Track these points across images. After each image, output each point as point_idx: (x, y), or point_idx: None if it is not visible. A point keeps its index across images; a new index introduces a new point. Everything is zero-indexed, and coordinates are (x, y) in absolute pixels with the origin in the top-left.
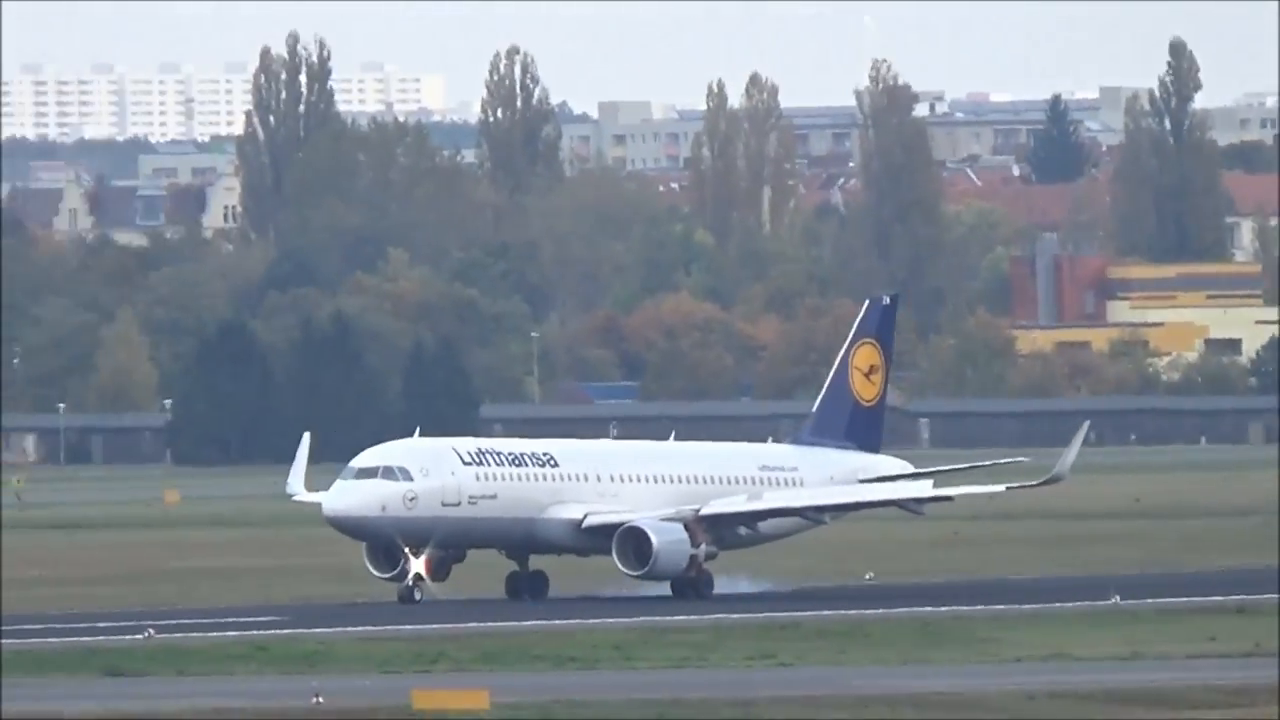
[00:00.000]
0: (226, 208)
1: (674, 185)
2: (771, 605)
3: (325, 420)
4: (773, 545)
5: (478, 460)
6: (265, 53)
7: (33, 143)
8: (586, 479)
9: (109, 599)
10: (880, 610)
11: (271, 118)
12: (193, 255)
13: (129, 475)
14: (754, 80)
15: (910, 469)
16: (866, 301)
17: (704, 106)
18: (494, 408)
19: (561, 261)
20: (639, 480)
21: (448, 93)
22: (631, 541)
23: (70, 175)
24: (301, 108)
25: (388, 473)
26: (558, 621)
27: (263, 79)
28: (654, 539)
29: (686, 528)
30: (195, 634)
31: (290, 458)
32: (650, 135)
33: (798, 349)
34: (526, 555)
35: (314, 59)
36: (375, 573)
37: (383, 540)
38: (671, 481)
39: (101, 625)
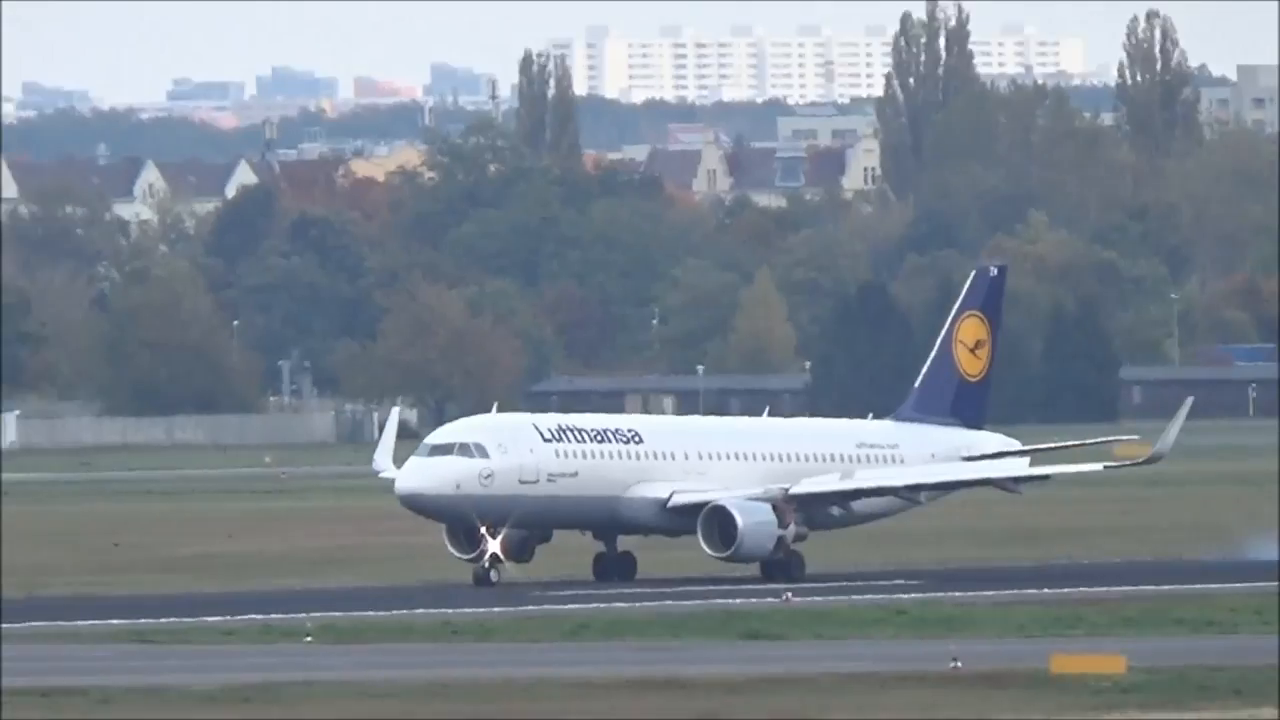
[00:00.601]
0: (866, 170)
1: None
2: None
3: None
4: (868, 526)
5: (558, 437)
6: (905, 17)
7: (672, 105)
8: (673, 457)
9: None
10: None
11: (911, 80)
12: (831, 217)
13: None
14: None
15: (1016, 445)
16: (973, 272)
17: None
18: (1133, 370)
19: (1200, 224)
20: (729, 458)
21: (1087, 56)
22: (717, 522)
23: (709, 137)
24: (940, 70)
25: (463, 449)
26: (1196, 586)
27: (902, 42)
28: (739, 519)
29: (775, 508)
30: (834, 597)
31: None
32: None
33: None
34: (613, 536)
35: (953, 22)
36: (456, 553)
37: (459, 520)
38: (763, 459)
39: (739, 589)
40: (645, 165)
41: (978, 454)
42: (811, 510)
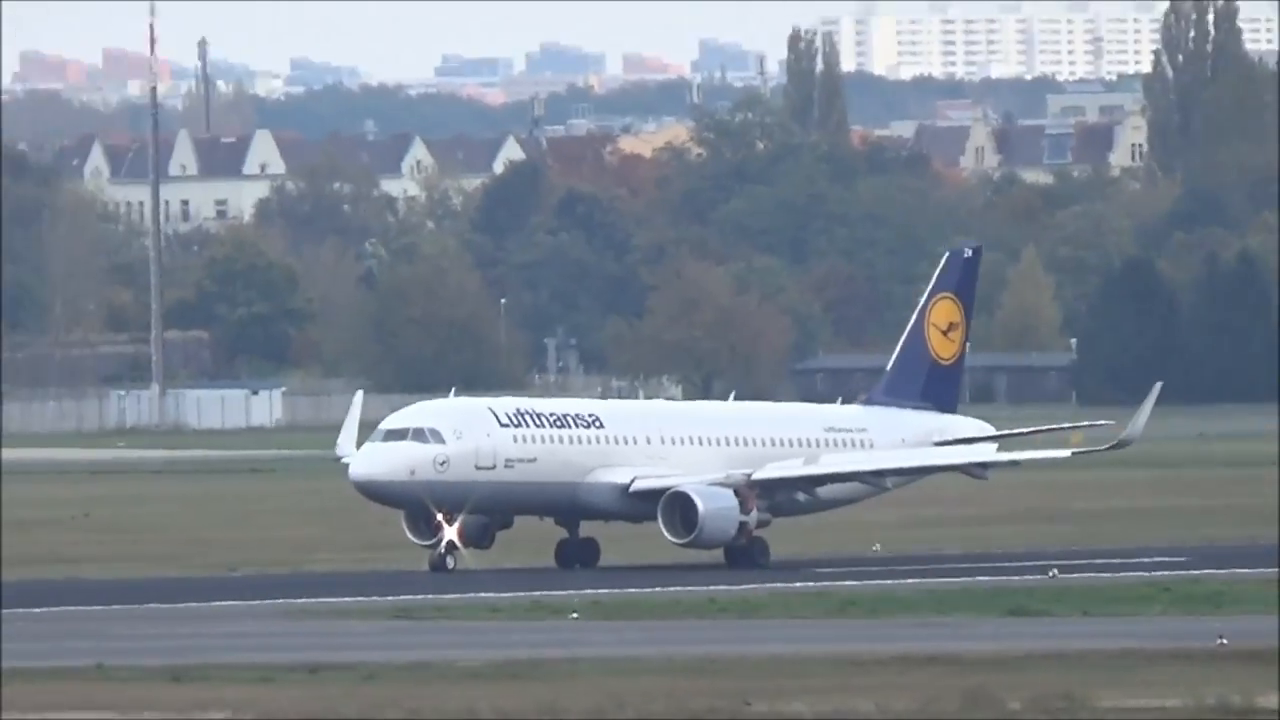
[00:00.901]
0: (1133, 146)
1: None
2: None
3: (1230, 361)
4: (835, 512)
5: (516, 422)
6: None
7: (940, 81)
8: (635, 441)
9: (1009, 539)
10: None
11: (1180, 56)
12: (1098, 194)
13: (1033, 415)
14: None
15: (990, 430)
16: (947, 254)
17: None
18: None
19: None
20: (692, 443)
21: None
22: (678, 508)
23: (977, 114)
24: (1209, 46)
25: (418, 435)
26: None
27: (1172, 18)
28: (700, 505)
29: (737, 493)
30: (1100, 574)
31: (1195, 400)
32: None
33: None
34: (576, 521)
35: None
36: (415, 540)
37: (413, 506)
38: (727, 444)
39: (1005, 565)
40: (912, 142)
41: (950, 439)
42: (775, 496)
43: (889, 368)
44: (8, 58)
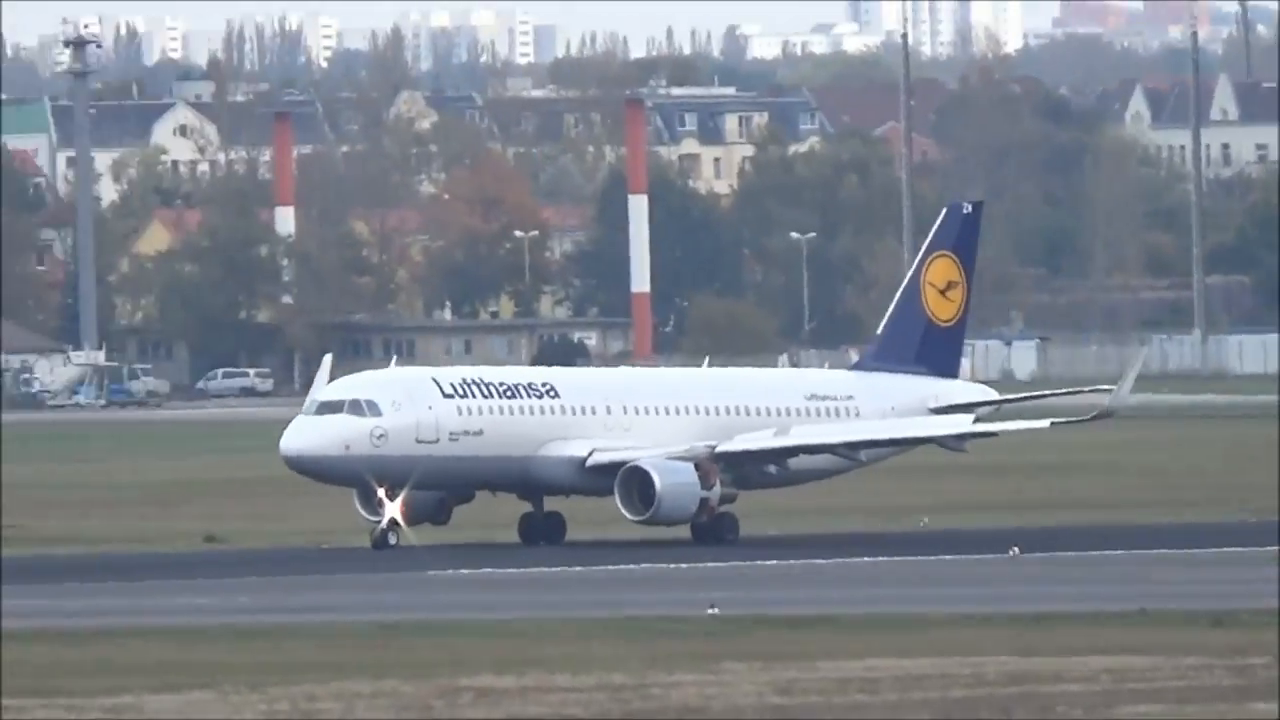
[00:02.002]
0: None
1: None
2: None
3: None
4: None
5: (461, 392)
6: None
7: None
8: (593, 411)
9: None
10: None
11: None
12: None
13: None
14: None
15: (993, 395)
16: (945, 209)
17: None
18: None
19: None
20: (657, 412)
21: None
22: (635, 483)
23: None
24: None
25: (354, 407)
26: None
27: None
28: (657, 480)
29: (698, 467)
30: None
31: None
32: None
33: None
34: (539, 496)
35: None
36: (366, 516)
37: (350, 483)
38: (696, 413)
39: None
40: None
41: (947, 404)
42: (743, 469)
43: (880, 330)
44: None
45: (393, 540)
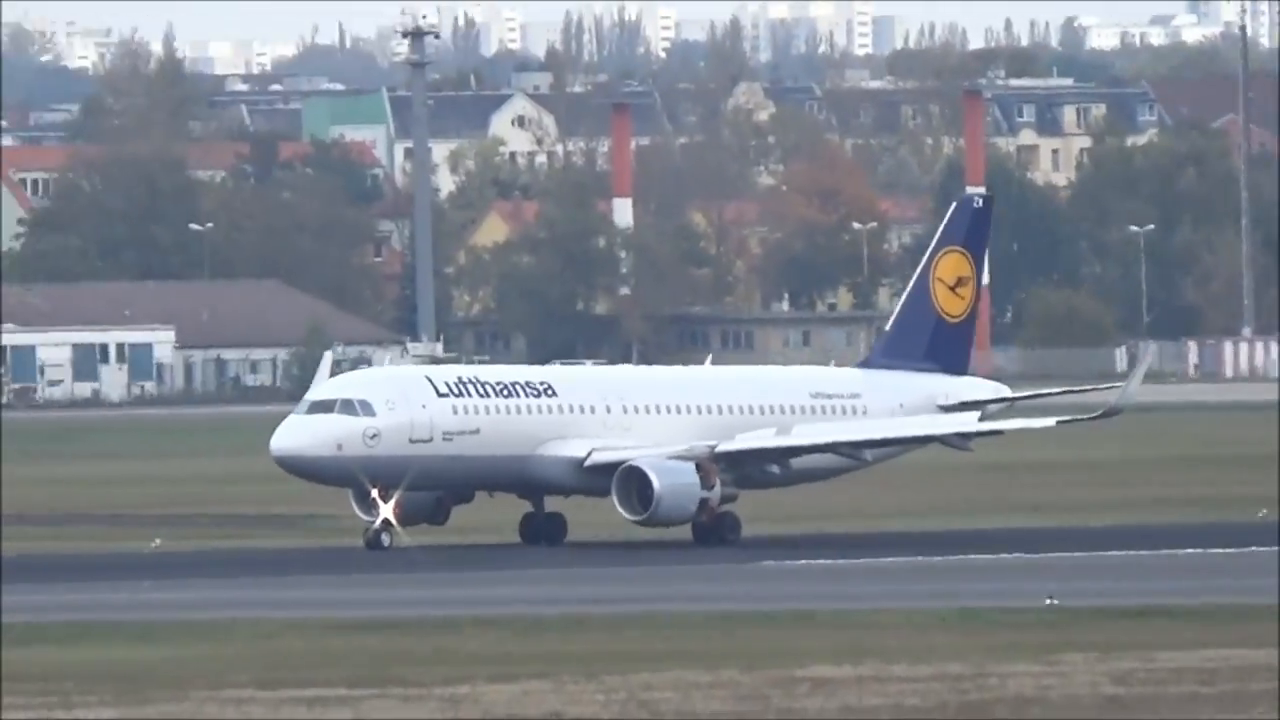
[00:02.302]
0: None
1: None
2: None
3: None
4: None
5: (456, 391)
6: None
7: None
8: (592, 410)
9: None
10: None
11: None
12: None
13: None
14: None
15: (1005, 391)
16: (954, 204)
17: None
18: None
19: None
20: (658, 411)
21: None
22: (634, 483)
23: None
24: None
25: (346, 406)
26: None
27: None
28: (656, 481)
29: (698, 467)
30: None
31: None
32: None
33: None
34: (540, 496)
35: None
36: (362, 515)
37: (342, 483)
38: (698, 412)
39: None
40: None
41: (957, 402)
42: (745, 469)
43: (889, 327)
44: None
45: (386, 541)
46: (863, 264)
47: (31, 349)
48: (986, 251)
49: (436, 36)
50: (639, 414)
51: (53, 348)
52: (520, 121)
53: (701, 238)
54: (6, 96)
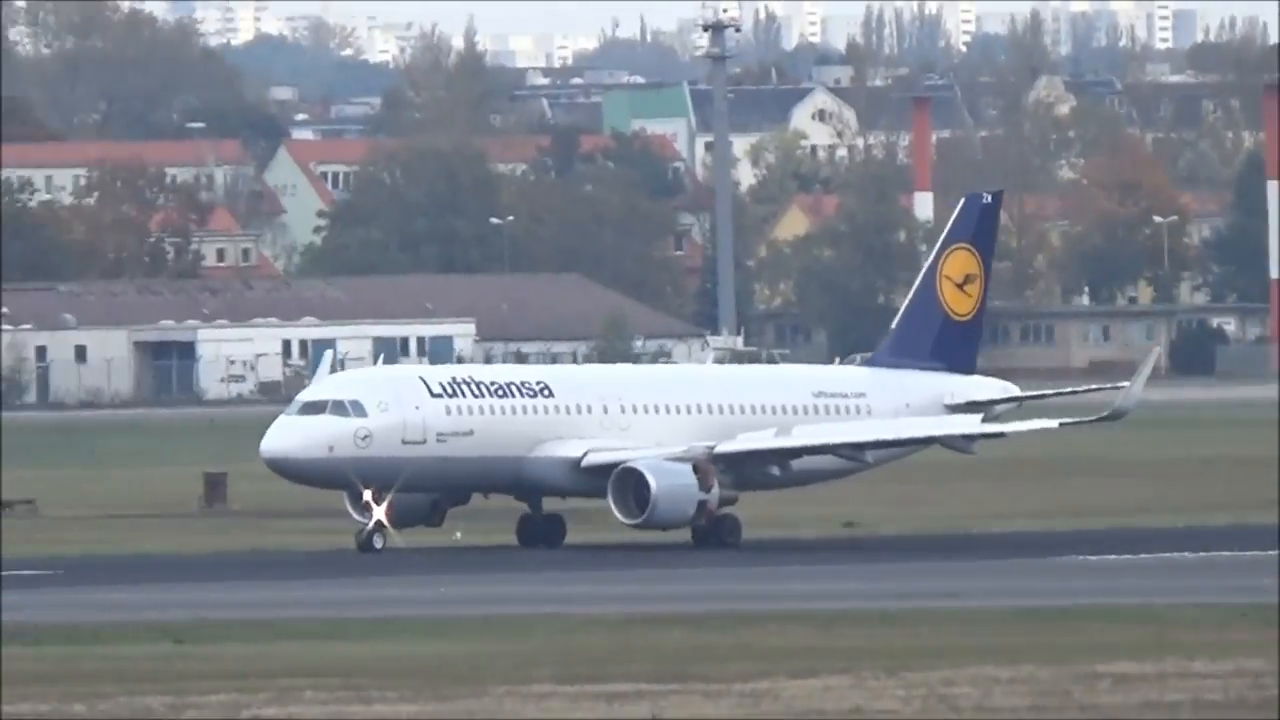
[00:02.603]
0: None
1: None
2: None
3: None
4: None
5: (450, 392)
6: None
7: None
8: (590, 410)
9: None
10: None
11: None
12: None
13: None
14: None
15: (1014, 391)
16: (962, 200)
17: None
18: None
19: None
20: (657, 411)
21: None
22: (630, 485)
23: None
24: None
25: (337, 407)
26: None
27: None
28: (653, 482)
29: (696, 468)
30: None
31: None
32: None
33: None
34: (537, 498)
35: None
36: (357, 517)
37: (335, 485)
38: (698, 412)
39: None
40: None
41: (965, 401)
42: (744, 470)
43: (895, 325)
44: None
45: (379, 544)
46: (1163, 257)
47: (331, 342)
48: (995, 249)
49: (738, 30)
50: (637, 414)
51: (353, 340)
52: (821, 115)
53: (1002, 231)
54: (307, 90)
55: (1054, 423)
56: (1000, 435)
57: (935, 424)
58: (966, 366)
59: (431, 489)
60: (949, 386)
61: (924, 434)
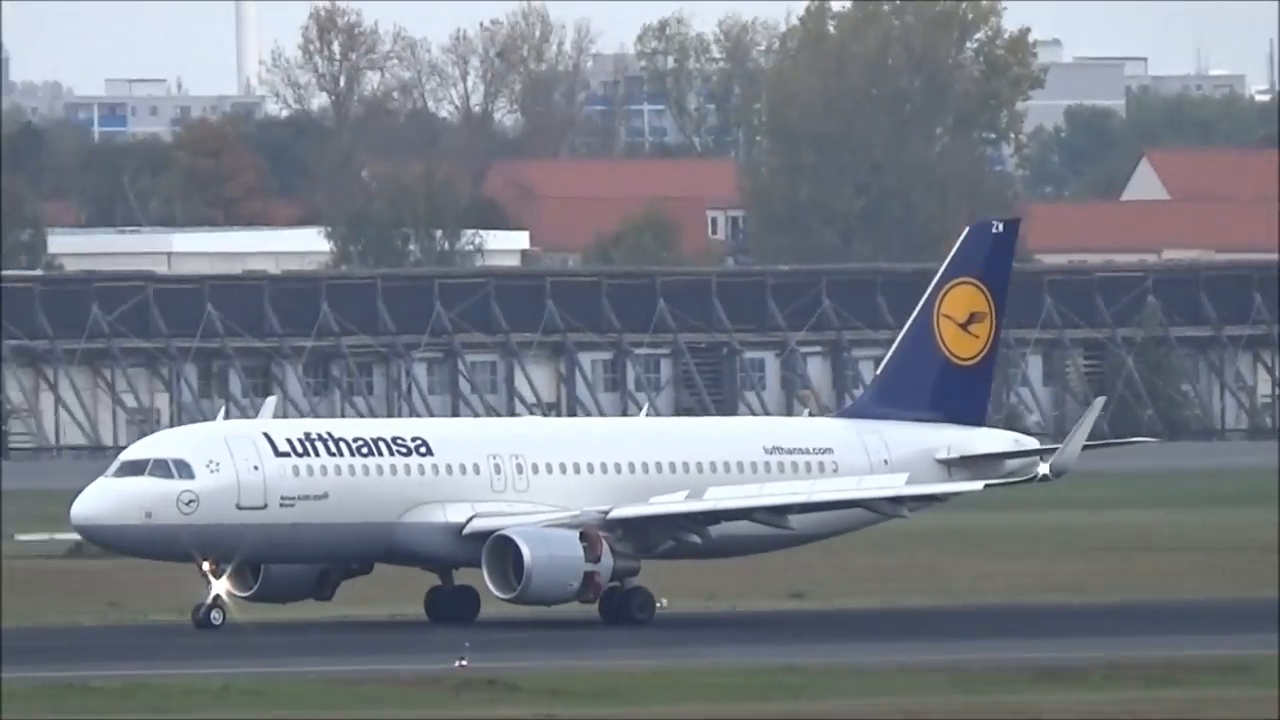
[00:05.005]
0: None
1: None
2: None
3: None
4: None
5: (299, 450)
6: None
7: None
8: (477, 470)
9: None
10: None
11: None
12: None
13: None
14: None
15: (1030, 443)
16: (967, 229)
17: None
18: None
19: None
20: (563, 470)
21: None
22: (508, 555)
23: None
24: None
25: (159, 468)
26: None
27: None
28: (527, 552)
29: (584, 536)
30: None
31: None
32: None
33: None
34: (448, 568)
35: None
36: (236, 593)
37: (155, 555)
38: (614, 471)
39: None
40: None
41: (961, 456)
42: (650, 538)
43: (880, 370)
44: None
45: (216, 619)
46: None
47: None
48: (1008, 284)
49: None
50: (539, 473)
51: None
52: None
53: None
54: None
55: (979, 484)
56: (934, 498)
57: (850, 486)
58: (972, 417)
59: (281, 559)
60: (944, 439)
61: (838, 498)
